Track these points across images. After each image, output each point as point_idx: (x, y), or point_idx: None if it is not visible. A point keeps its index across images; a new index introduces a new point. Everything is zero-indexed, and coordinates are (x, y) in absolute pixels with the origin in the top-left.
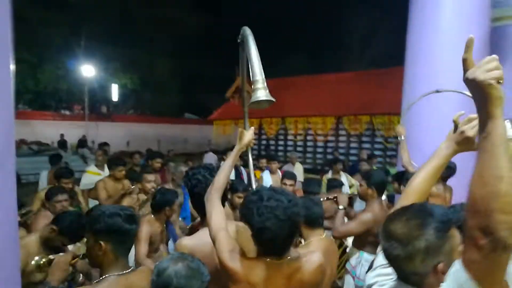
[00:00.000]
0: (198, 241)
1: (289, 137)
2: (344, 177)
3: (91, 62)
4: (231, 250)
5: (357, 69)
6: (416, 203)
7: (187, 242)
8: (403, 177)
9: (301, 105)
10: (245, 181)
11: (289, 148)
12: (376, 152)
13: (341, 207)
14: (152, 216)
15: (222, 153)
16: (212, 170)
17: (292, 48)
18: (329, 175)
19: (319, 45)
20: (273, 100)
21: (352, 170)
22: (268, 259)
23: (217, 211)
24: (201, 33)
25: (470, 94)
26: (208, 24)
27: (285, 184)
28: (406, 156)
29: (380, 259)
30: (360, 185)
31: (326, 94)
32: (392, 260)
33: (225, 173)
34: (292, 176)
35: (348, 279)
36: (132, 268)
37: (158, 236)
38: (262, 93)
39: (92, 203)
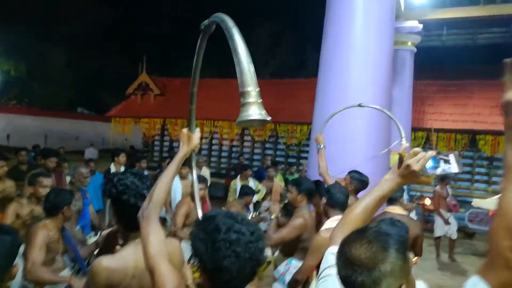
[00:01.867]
0: (120, 262)
1: None
2: (252, 183)
3: None
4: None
5: (264, 78)
6: (370, 224)
7: (108, 263)
8: (320, 188)
9: (209, 107)
10: None
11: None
12: (279, 159)
13: (273, 216)
14: (48, 220)
15: (113, 153)
16: (141, 177)
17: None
18: (237, 180)
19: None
20: (269, 120)
21: (258, 176)
22: None
23: (156, 234)
24: (103, 26)
25: (389, 113)
26: (111, 18)
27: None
28: (323, 165)
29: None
30: (290, 192)
31: (234, 99)
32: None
33: (165, 184)
34: (203, 180)
35: (276, 287)
36: None
37: (56, 244)
38: (255, 110)
39: None
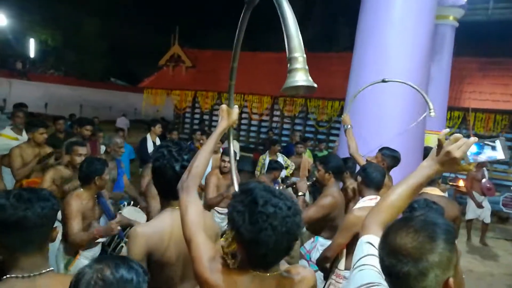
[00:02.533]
0: (155, 229)
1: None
2: (280, 158)
3: (2, 9)
4: (211, 259)
5: None
6: (415, 213)
7: (143, 229)
8: (347, 164)
9: (239, 81)
10: None
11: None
12: (308, 135)
13: (300, 193)
14: (81, 189)
15: (149, 123)
16: (181, 148)
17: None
18: (266, 155)
19: (256, 24)
20: (315, 86)
21: (286, 152)
22: (255, 272)
23: (194, 206)
24: None
25: (415, 86)
26: None
27: (223, 161)
28: (353, 145)
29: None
30: (318, 170)
31: (264, 73)
32: (400, 278)
33: (204, 157)
34: (228, 153)
35: (302, 264)
36: (49, 269)
37: (90, 211)
38: (302, 77)
39: (6, 171)
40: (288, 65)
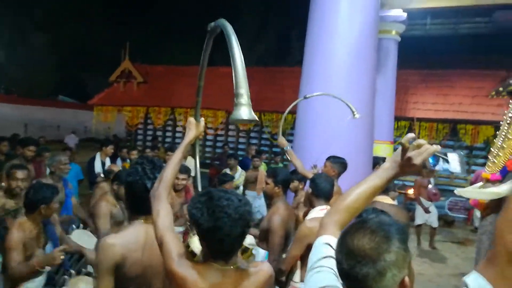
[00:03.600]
0: (124, 239)
1: (178, 129)
2: (238, 173)
3: None
4: (179, 254)
5: (248, 65)
6: (371, 216)
7: (114, 241)
8: (297, 176)
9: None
10: None
11: (177, 140)
12: (263, 148)
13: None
14: (25, 217)
15: (102, 143)
16: (154, 167)
17: (186, 38)
18: (227, 171)
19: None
20: (256, 120)
21: (243, 165)
22: (216, 265)
23: (165, 210)
24: (84, 9)
25: (334, 95)
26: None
27: (177, 178)
28: (298, 164)
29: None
30: (267, 183)
31: (218, 87)
32: (358, 280)
33: (173, 167)
34: (186, 170)
35: None
36: None
37: (34, 241)
38: (245, 111)
39: None
40: (235, 98)
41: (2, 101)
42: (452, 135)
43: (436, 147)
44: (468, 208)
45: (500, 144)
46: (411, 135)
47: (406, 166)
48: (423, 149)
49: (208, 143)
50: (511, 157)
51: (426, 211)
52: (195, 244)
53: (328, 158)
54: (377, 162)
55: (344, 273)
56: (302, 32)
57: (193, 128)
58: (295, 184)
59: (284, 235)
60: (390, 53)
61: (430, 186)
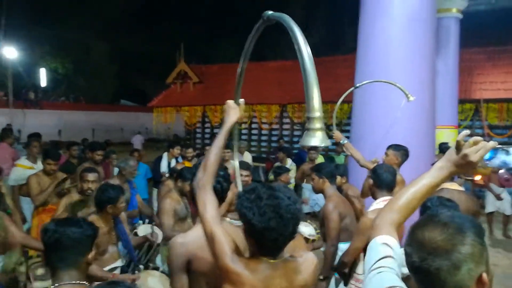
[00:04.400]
0: (192, 238)
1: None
2: (287, 165)
3: (13, 43)
4: (231, 249)
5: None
6: (442, 211)
7: (183, 240)
8: (338, 170)
9: (246, 91)
10: None
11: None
12: None
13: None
14: (95, 215)
15: (169, 144)
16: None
17: (238, 36)
18: (278, 164)
19: (265, 34)
20: (329, 144)
21: (298, 159)
22: (265, 259)
23: (211, 202)
24: (136, 13)
25: (384, 80)
26: (143, 4)
27: (241, 175)
28: (358, 156)
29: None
30: (312, 178)
31: (269, 82)
32: (430, 274)
33: (216, 154)
34: (247, 167)
35: None
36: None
37: (105, 237)
38: (319, 137)
39: (24, 200)
40: (307, 123)
41: (72, 109)
42: None
43: (494, 143)
44: None
45: None
46: (466, 132)
47: (462, 164)
48: (480, 146)
49: (263, 137)
50: None
51: (498, 197)
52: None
53: (390, 147)
54: (443, 148)
55: (414, 267)
56: (354, 18)
57: (233, 112)
58: (337, 179)
59: (338, 220)
60: (451, 32)
61: (501, 171)
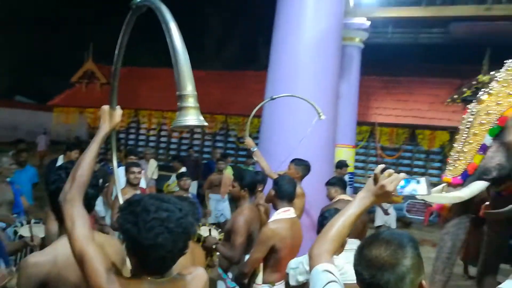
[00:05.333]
0: (49, 256)
1: (142, 131)
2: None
3: None
4: (107, 270)
5: (216, 68)
6: (383, 229)
7: (36, 259)
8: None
9: (157, 98)
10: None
11: (140, 143)
12: (229, 152)
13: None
14: None
15: (67, 146)
16: None
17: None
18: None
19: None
20: (205, 125)
21: (207, 169)
22: (150, 278)
23: (80, 217)
24: (43, 7)
25: (301, 96)
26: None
27: (132, 172)
28: (265, 165)
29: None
30: (233, 186)
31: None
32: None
33: (88, 164)
34: (137, 165)
35: (220, 285)
36: None
37: None
38: (192, 116)
39: None
40: (178, 102)
41: None
42: (410, 139)
43: (403, 175)
44: (425, 210)
45: (460, 148)
46: (381, 166)
47: (380, 194)
48: (393, 177)
49: (173, 145)
50: (471, 161)
51: (386, 213)
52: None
53: (292, 161)
54: (340, 164)
55: (365, 283)
56: (268, 38)
57: (107, 118)
58: None
59: (247, 236)
60: (353, 60)
61: None
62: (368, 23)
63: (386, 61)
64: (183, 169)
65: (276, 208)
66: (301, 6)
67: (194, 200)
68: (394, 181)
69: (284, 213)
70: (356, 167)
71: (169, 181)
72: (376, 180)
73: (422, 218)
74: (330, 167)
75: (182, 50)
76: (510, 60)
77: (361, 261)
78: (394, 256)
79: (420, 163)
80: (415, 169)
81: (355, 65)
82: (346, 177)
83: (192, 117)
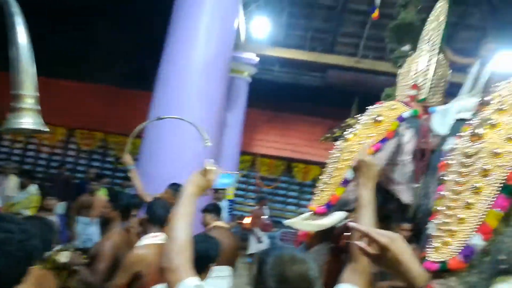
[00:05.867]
0: None
1: (5, 143)
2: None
3: None
4: None
5: (96, 82)
6: (272, 249)
7: None
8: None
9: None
10: None
11: (1, 156)
12: (106, 172)
13: None
14: None
15: None
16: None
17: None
18: None
19: (58, 51)
20: (46, 130)
21: (79, 189)
22: None
23: None
24: None
25: (189, 121)
26: None
27: None
28: (139, 185)
29: None
30: (106, 207)
31: (59, 102)
32: None
33: None
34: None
35: None
36: None
37: None
38: (29, 119)
39: None
40: (14, 102)
41: None
42: (287, 171)
43: (219, 168)
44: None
45: (326, 180)
46: (210, 160)
47: (203, 184)
48: (214, 170)
49: (42, 161)
50: (334, 192)
51: (259, 240)
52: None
53: (171, 185)
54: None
55: None
56: (156, 59)
57: None
58: None
59: (112, 262)
60: (241, 92)
61: (265, 217)
62: (257, 59)
63: (271, 96)
64: (32, 188)
65: (146, 232)
66: (193, 30)
67: (52, 221)
68: (213, 172)
69: (154, 238)
70: (236, 195)
71: (15, 199)
72: (205, 174)
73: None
74: (210, 194)
75: (25, 45)
76: (372, 106)
77: (275, 280)
78: (307, 271)
79: (294, 194)
80: (289, 200)
81: (242, 97)
82: (225, 204)
83: (28, 120)
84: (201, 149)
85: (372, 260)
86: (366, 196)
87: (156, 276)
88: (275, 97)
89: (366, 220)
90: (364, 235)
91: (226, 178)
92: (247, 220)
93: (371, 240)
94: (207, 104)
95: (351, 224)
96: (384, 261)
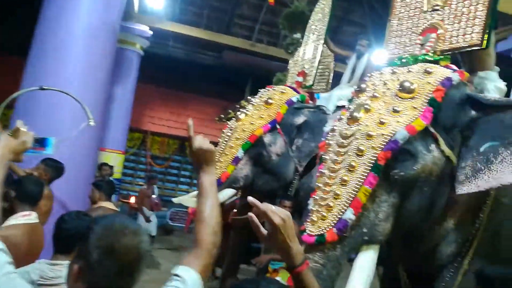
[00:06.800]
0: None
1: None
2: None
3: None
4: None
5: None
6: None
7: None
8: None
9: None
10: None
11: None
12: None
13: None
14: None
15: None
16: None
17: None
18: None
19: None
20: None
21: None
22: None
23: None
24: None
25: (74, 96)
26: None
27: None
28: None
29: None
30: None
31: None
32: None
33: None
34: None
35: None
36: None
37: None
38: None
39: None
40: None
41: None
42: (180, 150)
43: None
44: (186, 218)
45: (217, 158)
46: (20, 122)
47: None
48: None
49: None
50: (225, 170)
51: (147, 220)
52: None
53: (43, 161)
54: (101, 167)
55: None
56: (31, 22)
57: None
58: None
59: None
60: (132, 65)
61: (153, 196)
62: (151, 32)
63: (164, 72)
64: None
65: (15, 211)
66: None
67: None
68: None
69: (23, 218)
70: (124, 174)
71: None
72: (16, 136)
73: (184, 225)
74: (92, 170)
75: None
76: (263, 90)
77: (111, 255)
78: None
79: (187, 173)
80: (182, 179)
81: (133, 70)
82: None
83: None
84: (83, 127)
85: (263, 239)
86: (207, 182)
87: (23, 258)
88: (169, 73)
89: (207, 208)
90: (261, 213)
91: (42, 143)
92: (133, 200)
93: (266, 219)
94: (90, 75)
95: (251, 199)
96: (273, 240)
